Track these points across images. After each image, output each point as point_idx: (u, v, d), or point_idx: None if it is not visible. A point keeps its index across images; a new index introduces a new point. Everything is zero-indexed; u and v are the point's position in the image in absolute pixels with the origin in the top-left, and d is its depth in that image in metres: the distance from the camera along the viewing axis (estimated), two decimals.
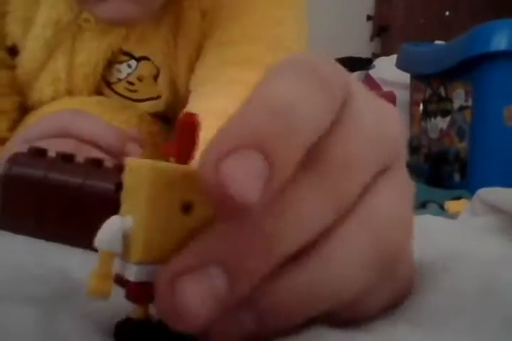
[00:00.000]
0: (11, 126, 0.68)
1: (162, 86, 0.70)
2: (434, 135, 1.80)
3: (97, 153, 0.46)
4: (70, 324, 0.20)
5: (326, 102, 0.19)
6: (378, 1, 2.68)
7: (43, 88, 0.68)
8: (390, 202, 0.21)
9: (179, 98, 0.70)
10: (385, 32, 2.63)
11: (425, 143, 1.85)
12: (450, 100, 1.70)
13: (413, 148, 1.92)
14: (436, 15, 2.63)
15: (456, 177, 1.66)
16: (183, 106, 0.65)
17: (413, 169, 1.82)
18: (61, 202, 0.30)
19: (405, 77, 1.96)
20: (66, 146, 0.45)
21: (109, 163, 0.32)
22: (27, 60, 0.67)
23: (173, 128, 0.68)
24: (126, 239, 0.19)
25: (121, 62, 0.69)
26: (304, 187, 0.19)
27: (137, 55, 0.68)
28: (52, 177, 0.30)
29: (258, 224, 0.18)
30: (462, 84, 1.63)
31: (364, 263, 0.20)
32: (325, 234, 0.19)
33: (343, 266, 0.19)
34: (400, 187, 0.21)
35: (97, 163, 0.31)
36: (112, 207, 0.20)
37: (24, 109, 0.70)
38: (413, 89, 1.94)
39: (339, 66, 0.21)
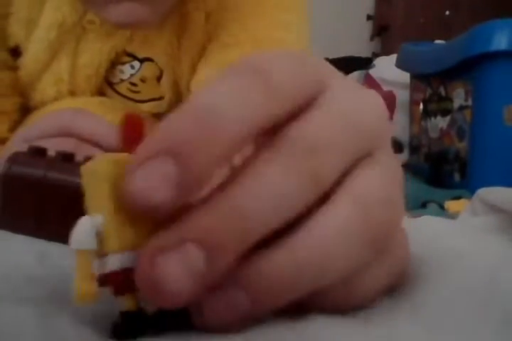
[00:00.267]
0: (11, 127, 0.67)
1: (165, 87, 0.69)
2: (434, 134, 1.80)
3: (97, 153, 0.46)
4: (68, 324, 0.20)
5: (265, 101, 0.20)
6: (378, 1, 2.68)
7: (45, 89, 0.68)
8: (376, 183, 0.21)
9: (182, 99, 0.70)
10: (385, 31, 2.64)
11: (425, 142, 1.85)
12: (450, 100, 1.70)
13: (413, 148, 1.92)
14: (436, 15, 2.63)
15: (456, 176, 1.66)
16: None
17: (413, 169, 1.82)
18: (61, 201, 0.30)
19: (405, 77, 1.96)
20: (67, 145, 0.45)
21: None
22: (30, 61, 0.67)
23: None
24: (99, 235, 0.19)
25: (124, 63, 0.68)
26: (275, 166, 0.20)
27: (140, 56, 0.68)
28: (51, 176, 0.30)
29: (233, 201, 0.19)
30: (462, 84, 1.63)
31: (354, 240, 0.20)
32: (310, 212, 0.20)
33: (331, 243, 0.20)
34: (386, 170, 0.22)
35: None
36: None
37: (25, 110, 0.70)
38: (413, 88, 1.94)
39: (313, 61, 0.23)
